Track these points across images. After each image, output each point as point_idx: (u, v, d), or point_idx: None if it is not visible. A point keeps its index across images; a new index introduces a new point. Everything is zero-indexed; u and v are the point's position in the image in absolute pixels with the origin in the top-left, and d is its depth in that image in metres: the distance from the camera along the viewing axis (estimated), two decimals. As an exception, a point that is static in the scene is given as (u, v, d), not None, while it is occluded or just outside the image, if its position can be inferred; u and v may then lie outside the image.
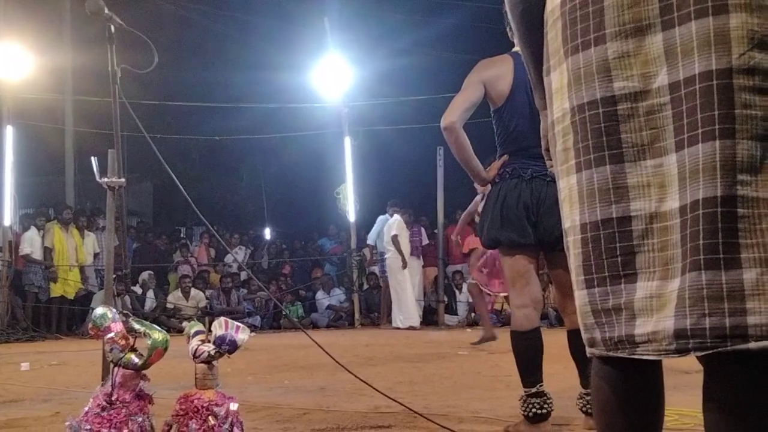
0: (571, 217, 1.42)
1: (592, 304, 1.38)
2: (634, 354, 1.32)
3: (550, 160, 1.62)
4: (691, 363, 1.40)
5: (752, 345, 1.18)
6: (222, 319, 2.23)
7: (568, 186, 1.42)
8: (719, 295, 1.20)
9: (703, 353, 1.23)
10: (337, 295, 13.18)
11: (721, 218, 1.20)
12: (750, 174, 1.20)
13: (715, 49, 1.21)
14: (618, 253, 1.33)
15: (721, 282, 1.20)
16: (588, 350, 1.43)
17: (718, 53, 1.21)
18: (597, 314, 1.37)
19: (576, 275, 1.42)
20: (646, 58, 1.29)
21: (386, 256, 11.73)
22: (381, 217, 12.30)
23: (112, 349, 2.18)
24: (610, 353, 1.37)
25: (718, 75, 1.21)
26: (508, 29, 3.10)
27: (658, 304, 1.29)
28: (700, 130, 1.22)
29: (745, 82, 1.20)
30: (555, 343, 3.59)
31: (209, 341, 2.20)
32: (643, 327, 1.30)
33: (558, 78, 1.44)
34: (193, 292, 11.96)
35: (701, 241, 1.21)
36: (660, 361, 1.39)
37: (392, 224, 11.45)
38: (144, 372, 2.22)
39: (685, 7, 1.25)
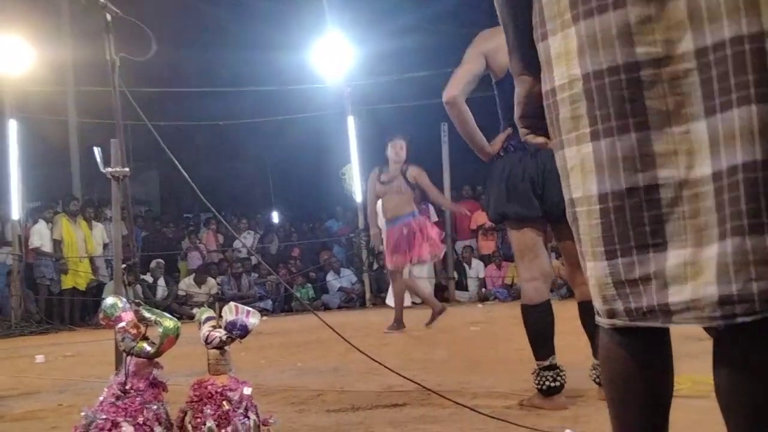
0: (584, 186, 1.39)
1: (614, 275, 1.35)
2: (669, 322, 1.31)
3: (525, 128, 1.60)
4: (702, 331, 1.39)
5: None
6: (232, 304, 2.23)
7: (580, 155, 1.39)
8: (766, 260, 1.19)
9: (751, 318, 1.22)
10: (348, 276, 13.16)
11: (762, 183, 1.19)
12: None
13: (745, 14, 1.19)
14: (646, 222, 1.31)
15: (766, 246, 1.19)
16: (606, 321, 1.40)
17: (749, 18, 1.19)
18: (620, 285, 1.35)
19: (592, 246, 1.39)
20: (668, 23, 1.27)
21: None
22: None
23: (123, 339, 2.19)
24: (638, 323, 1.35)
25: (750, 39, 1.19)
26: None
27: (692, 271, 1.27)
28: (734, 95, 1.20)
29: None
30: (566, 315, 3.58)
31: (220, 327, 2.21)
32: (678, 295, 1.28)
33: (561, 43, 1.40)
34: (205, 278, 12.01)
35: (743, 207, 1.20)
36: (668, 330, 1.38)
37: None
38: (157, 360, 2.23)
39: None
